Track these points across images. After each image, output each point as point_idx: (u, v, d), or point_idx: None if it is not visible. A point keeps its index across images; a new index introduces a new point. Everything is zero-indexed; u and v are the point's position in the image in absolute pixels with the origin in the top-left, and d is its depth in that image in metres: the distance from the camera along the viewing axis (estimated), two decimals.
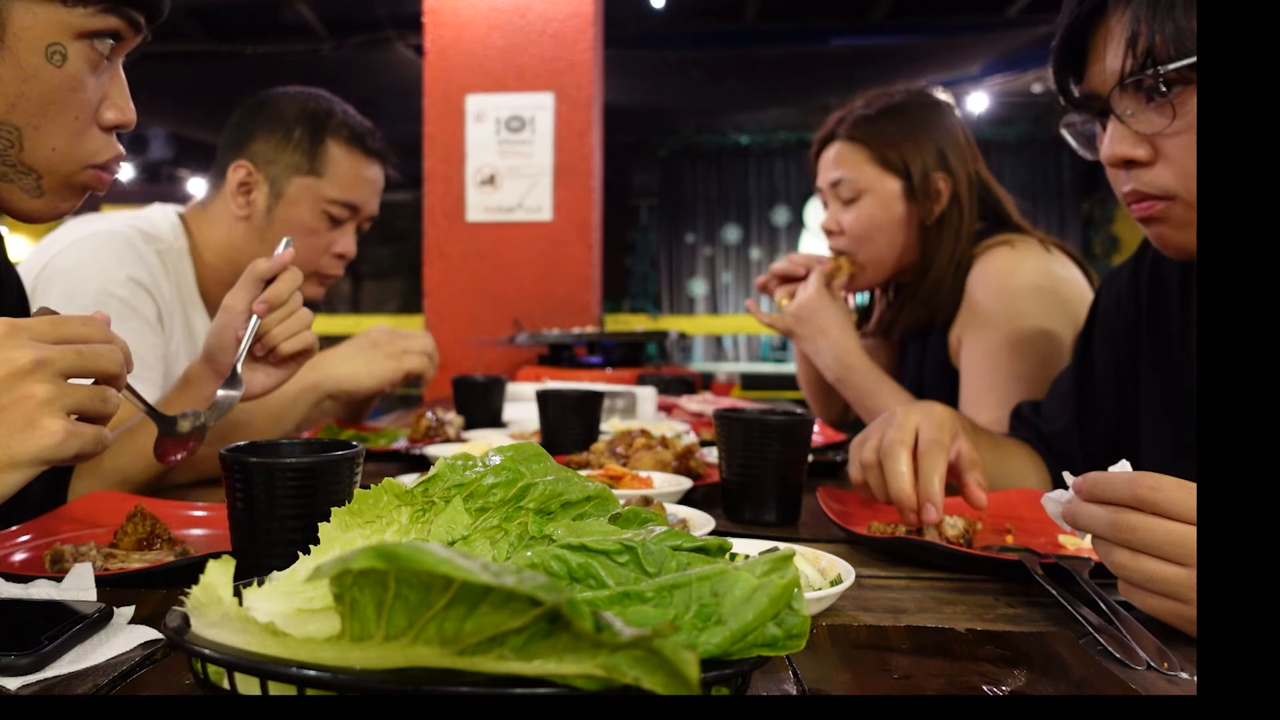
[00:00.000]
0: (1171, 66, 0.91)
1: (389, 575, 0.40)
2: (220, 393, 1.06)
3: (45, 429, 0.68)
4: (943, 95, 1.79)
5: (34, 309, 1.45)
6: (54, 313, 0.79)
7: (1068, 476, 0.77)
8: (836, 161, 1.74)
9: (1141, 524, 0.68)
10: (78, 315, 0.77)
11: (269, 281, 1.13)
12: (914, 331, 1.79)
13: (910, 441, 1.03)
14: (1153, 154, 0.97)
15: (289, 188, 1.62)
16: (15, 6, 0.88)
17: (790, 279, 1.80)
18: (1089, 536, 0.75)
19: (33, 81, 0.90)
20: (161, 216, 1.63)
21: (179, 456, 0.96)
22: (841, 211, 1.75)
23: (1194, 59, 0.89)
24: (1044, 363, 1.53)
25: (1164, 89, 0.92)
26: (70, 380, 0.72)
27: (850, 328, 1.70)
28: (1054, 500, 0.79)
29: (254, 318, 1.10)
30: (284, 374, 1.18)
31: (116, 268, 1.46)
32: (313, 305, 1.90)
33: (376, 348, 1.55)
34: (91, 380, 0.75)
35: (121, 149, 0.99)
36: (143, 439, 1.17)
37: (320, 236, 1.65)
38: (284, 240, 1.18)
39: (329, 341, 1.53)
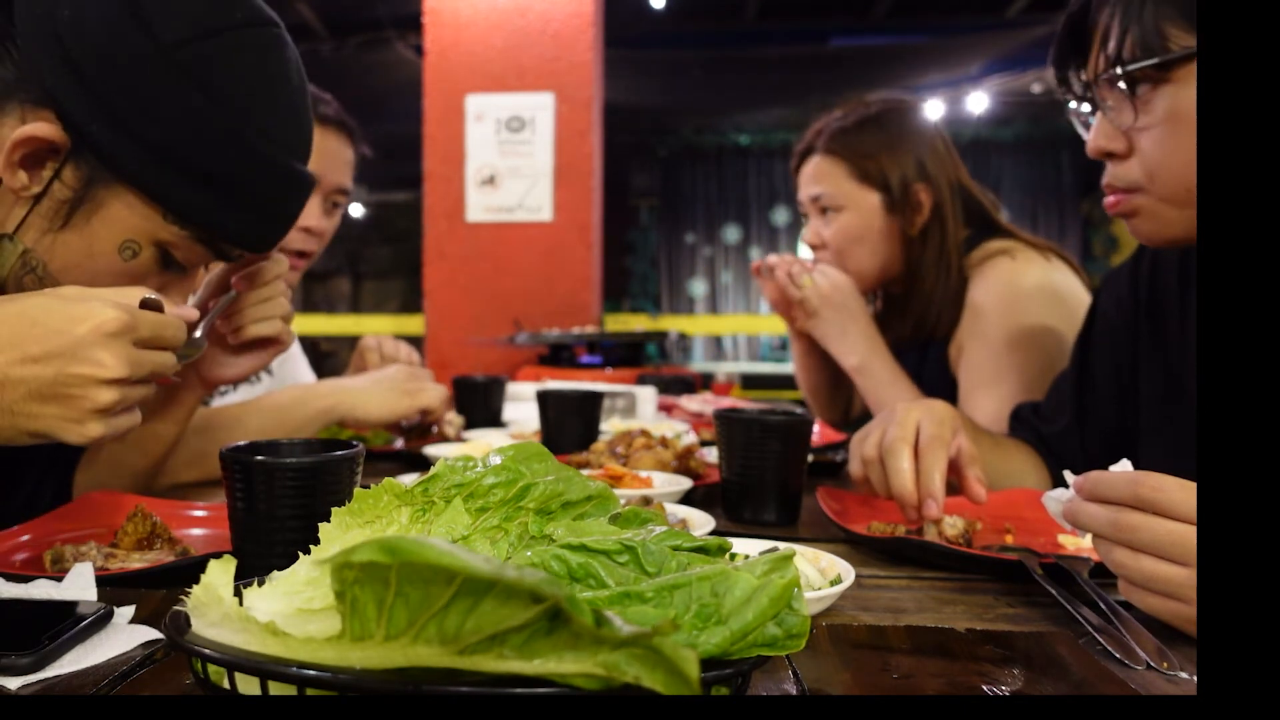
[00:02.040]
0: (1133, 67, 0.94)
1: (390, 571, 0.40)
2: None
3: (86, 429, 0.73)
4: (919, 102, 1.79)
5: None
6: (159, 303, 0.82)
7: (1068, 475, 0.77)
8: (815, 177, 1.74)
9: (1142, 523, 0.68)
10: (175, 319, 0.83)
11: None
12: (909, 344, 1.79)
13: (911, 438, 1.03)
14: (1129, 147, 1.00)
15: None
16: (118, 198, 0.89)
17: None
18: (1089, 536, 0.75)
19: (95, 260, 0.92)
20: None
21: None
22: (823, 225, 1.75)
23: (1156, 60, 0.93)
24: (1047, 361, 1.53)
25: (1129, 87, 0.96)
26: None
27: (870, 318, 1.70)
28: (1054, 499, 0.79)
29: (231, 293, 1.06)
30: (251, 361, 1.13)
31: None
32: (310, 304, 1.90)
33: (392, 385, 1.56)
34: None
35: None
36: (143, 432, 1.17)
37: None
38: None
39: (329, 341, 1.54)
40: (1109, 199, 1.04)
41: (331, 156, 1.69)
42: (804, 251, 1.88)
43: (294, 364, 1.96)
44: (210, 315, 1.04)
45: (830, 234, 1.74)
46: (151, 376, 0.81)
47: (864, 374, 1.66)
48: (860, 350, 1.66)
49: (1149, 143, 0.97)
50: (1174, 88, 0.94)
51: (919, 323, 1.72)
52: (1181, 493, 0.67)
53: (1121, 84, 0.96)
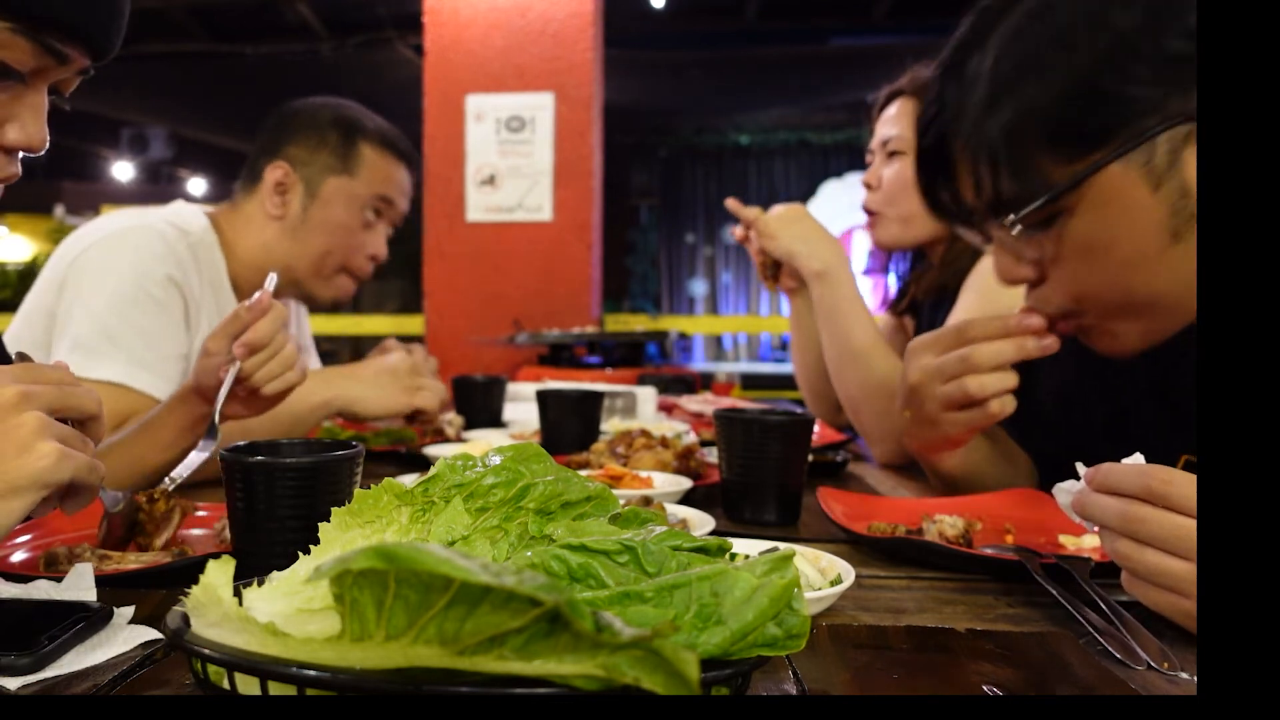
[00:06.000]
0: (1023, 214, 0.90)
1: (389, 575, 0.40)
2: (194, 454, 1.01)
3: (39, 451, 0.68)
4: None
5: (64, 300, 1.45)
6: (28, 358, 0.80)
7: (1080, 467, 0.77)
8: (897, 117, 1.72)
9: (1150, 516, 0.68)
10: (47, 363, 0.78)
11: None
12: (932, 298, 1.78)
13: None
14: (1040, 271, 0.96)
15: (323, 188, 1.67)
16: None
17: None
18: (1090, 536, 0.75)
19: None
20: (190, 212, 1.65)
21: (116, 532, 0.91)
22: (884, 165, 1.73)
23: (1043, 200, 0.88)
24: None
25: (1024, 229, 0.92)
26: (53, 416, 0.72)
27: (831, 235, 1.66)
28: (1065, 490, 0.79)
29: (235, 362, 1.06)
30: (267, 404, 1.15)
31: (154, 265, 1.48)
32: (311, 305, 1.89)
33: (395, 378, 1.57)
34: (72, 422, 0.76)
35: (17, 170, 0.86)
36: (133, 448, 1.16)
37: (354, 236, 1.69)
38: (270, 276, 1.15)
39: (329, 340, 1.55)
40: (1057, 327, 0.99)
41: (406, 189, 1.77)
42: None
43: (306, 355, 1.99)
44: (219, 399, 1.05)
45: (889, 175, 1.71)
46: (63, 404, 0.73)
47: (826, 281, 1.57)
48: (823, 256, 1.59)
49: (1065, 274, 0.93)
50: (1071, 217, 0.90)
51: (946, 276, 1.70)
52: (1190, 488, 0.67)
53: (1017, 228, 0.91)
